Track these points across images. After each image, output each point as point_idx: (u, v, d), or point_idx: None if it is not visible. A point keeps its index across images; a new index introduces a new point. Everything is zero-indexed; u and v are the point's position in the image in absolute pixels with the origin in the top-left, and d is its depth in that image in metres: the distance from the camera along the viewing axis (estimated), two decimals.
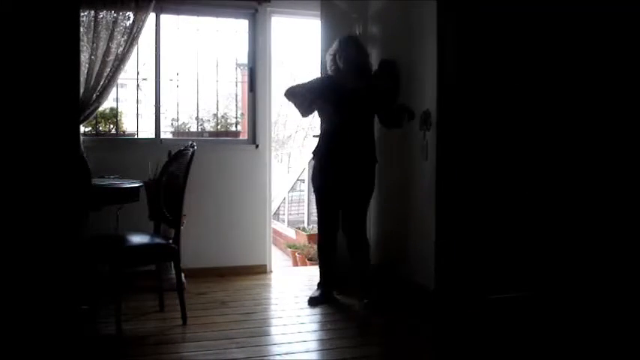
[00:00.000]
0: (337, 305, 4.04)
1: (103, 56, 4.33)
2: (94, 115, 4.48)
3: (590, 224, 3.75)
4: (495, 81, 3.95)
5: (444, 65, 3.87)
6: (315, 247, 4.63)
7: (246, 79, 5.01)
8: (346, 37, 4.01)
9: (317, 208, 4.11)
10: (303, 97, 3.91)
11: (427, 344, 3.34)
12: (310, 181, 4.05)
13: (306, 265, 5.76)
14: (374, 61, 4.86)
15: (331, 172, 3.97)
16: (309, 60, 4.44)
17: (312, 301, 4.01)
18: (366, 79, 3.99)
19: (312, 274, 4.67)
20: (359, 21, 4.98)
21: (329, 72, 4.03)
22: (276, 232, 7.33)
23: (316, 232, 4.49)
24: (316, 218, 4.33)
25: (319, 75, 4.23)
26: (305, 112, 4.01)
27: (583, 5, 3.76)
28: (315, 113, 4.12)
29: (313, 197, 4.40)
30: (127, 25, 4.40)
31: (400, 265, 4.45)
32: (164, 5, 4.64)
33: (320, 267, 4.17)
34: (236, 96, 5.11)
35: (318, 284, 4.16)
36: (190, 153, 3.55)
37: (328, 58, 4.00)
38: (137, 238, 3.51)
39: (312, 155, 4.10)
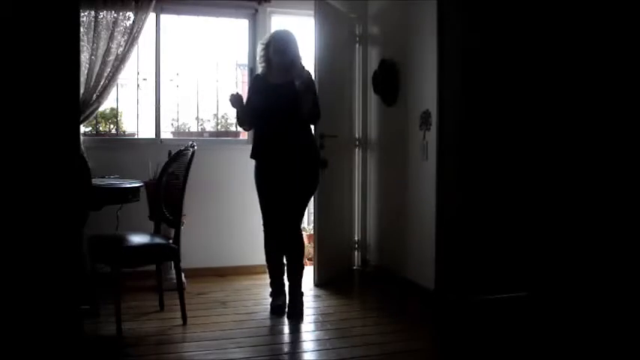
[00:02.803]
0: (336, 305, 4.03)
1: (103, 56, 4.33)
2: (94, 115, 4.48)
3: (589, 224, 3.75)
4: (495, 81, 3.95)
5: (443, 65, 3.87)
6: (314, 247, 4.60)
7: (246, 79, 5.01)
8: (282, 30, 3.84)
9: (262, 210, 3.87)
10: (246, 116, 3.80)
11: (427, 344, 3.34)
12: (255, 182, 3.84)
13: (306, 264, 5.75)
14: (374, 61, 4.88)
15: (271, 171, 3.78)
16: (309, 59, 4.36)
17: (278, 311, 3.78)
18: (294, 74, 3.70)
19: (311, 274, 4.66)
20: (356, 20, 4.99)
21: (258, 62, 3.85)
22: None
23: (315, 232, 4.49)
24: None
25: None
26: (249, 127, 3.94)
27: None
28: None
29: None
30: (127, 25, 4.40)
31: (400, 265, 4.45)
32: (164, 5, 4.64)
33: (272, 270, 3.92)
34: None
35: (273, 293, 3.91)
36: (190, 153, 3.55)
37: (259, 47, 3.82)
38: (137, 238, 3.51)
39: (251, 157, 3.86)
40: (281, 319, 3.72)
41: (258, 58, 3.87)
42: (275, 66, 3.76)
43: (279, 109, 3.71)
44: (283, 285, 3.93)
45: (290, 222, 3.80)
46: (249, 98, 3.83)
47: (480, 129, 3.93)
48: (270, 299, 3.91)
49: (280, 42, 3.72)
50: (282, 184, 3.77)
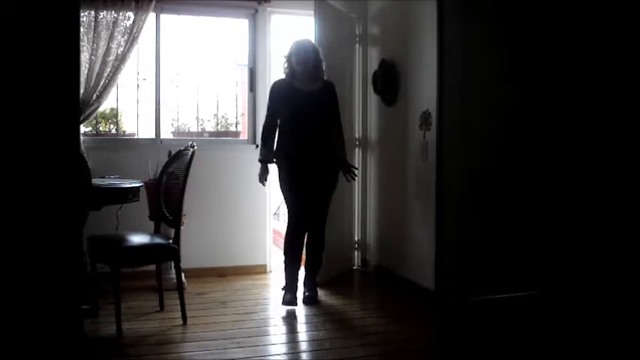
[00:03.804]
0: (336, 305, 4.03)
1: (103, 56, 4.33)
2: (94, 115, 4.48)
3: (589, 224, 3.75)
4: (495, 81, 3.95)
5: (443, 65, 3.87)
6: None
7: (246, 79, 5.01)
8: (301, 41, 4.03)
9: (290, 209, 4.03)
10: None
11: (427, 344, 3.34)
12: (280, 185, 4.02)
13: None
14: (374, 61, 4.88)
15: (302, 173, 3.95)
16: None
17: (291, 303, 3.90)
18: (320, 81, 4.01)
19: None
20: (356, 20, 4.99)
21: (283, 72, 4.05)
22: (276, 232, 7.32)
23: None
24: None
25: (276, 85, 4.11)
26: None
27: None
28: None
29: None
30: (127, 25, 4.40)
31: (400, 265, 4.45)
32: (164, 5, 4.64)
33: (289, 267, 4.05)
34: (236, 96, 5.11)
35: (286, 287, 4.01)
36: (190, 153, 3.55)
37: (284, 60, 4.04)
38: (137, 238, 3.51)
39: (275, 161, 4.03)
40: (281, 319, 3.73)
41: (283, 70, 4.06)
42: (299, 75, 3.96)
43: (308, 113, 3.91)
44: (297, 280, 4.05)
45: (319, 221, 4.05)
46: (274, 103, 3.99)
47: (479, 129, 3.93)
48: (282, 293, 4.00)
49: (301, 53, 3.94)
50: (313, 183, 3.95)
